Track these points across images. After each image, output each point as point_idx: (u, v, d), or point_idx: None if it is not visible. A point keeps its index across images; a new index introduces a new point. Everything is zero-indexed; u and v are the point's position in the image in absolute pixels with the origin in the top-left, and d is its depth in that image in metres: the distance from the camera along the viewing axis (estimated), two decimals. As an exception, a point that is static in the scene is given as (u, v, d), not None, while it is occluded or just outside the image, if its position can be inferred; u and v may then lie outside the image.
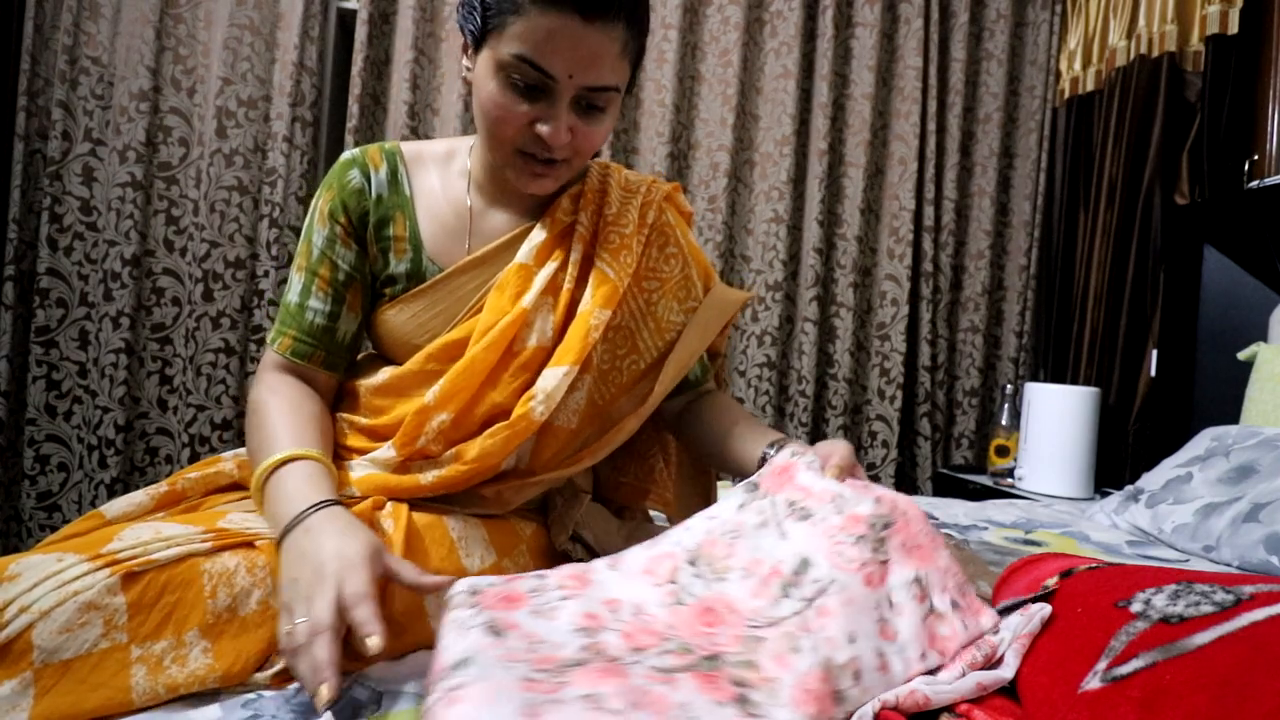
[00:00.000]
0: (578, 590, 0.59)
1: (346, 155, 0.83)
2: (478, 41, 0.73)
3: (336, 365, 0.83)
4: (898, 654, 0.54)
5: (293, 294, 0.81)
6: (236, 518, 0.67)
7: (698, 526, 0.66)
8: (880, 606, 0.56)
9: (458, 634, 0.51)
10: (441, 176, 0.85)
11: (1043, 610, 0.57)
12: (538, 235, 0.82)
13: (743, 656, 0.52)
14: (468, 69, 0.76)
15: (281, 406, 0.76)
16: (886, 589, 0.58)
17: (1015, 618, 0.58)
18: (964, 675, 0.54)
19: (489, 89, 0.72)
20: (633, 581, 0.61)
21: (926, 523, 0.62)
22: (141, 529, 0.61)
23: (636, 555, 0.64)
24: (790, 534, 0.61)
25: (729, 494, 0.69)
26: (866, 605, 0.56)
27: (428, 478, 0.75)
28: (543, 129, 0.72)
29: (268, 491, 0.68)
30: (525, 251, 0.81)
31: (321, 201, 0.82)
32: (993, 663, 0.55)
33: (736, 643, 0.54)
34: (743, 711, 0.47)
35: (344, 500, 0.69)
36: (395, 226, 0.82)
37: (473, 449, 0.75)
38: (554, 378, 0.77)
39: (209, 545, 0.60)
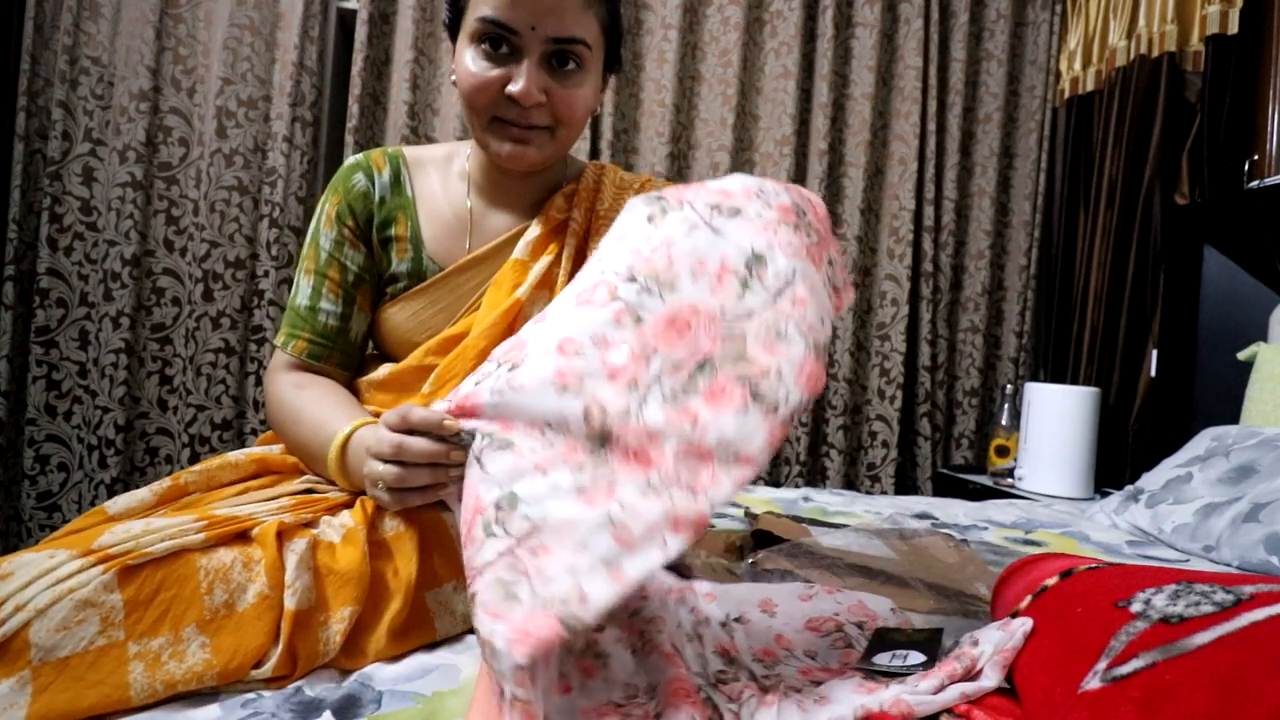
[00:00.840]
0: (520, 354, 0.56)
1: (350, 160, 0.86)
2: (454, 29, 0.77)
3: (349, 365, 0.86)
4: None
5: (301, 298, 0.83)
6: (229, 507, 0.68)
7: (616, 249, 0.60)
8: (826, 285, 0.58)
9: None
10: (442, 179, 0.88)
11: (1025, 625, 0.56)
12: (533, 232, 0.84)
13: (730, 354, 0.53)
14: (453, 70, 0.79)
15: (316, 394, 0.79)
16: (823, 270, 0.59)
17: (996, 632, 0.58)
18: (943, 688, 0.53)
19: (463, 64, 0.76)
20: (574, 316, 0.57)
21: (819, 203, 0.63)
22: (133, 523, 0.61)
23: (565, 295, 0.60)
24: (725, 231, 0.58)
25: (629, 211, 0.62)
26: (820, 287, 0.57)
27: None
28: (513, 87, 0.75)
29: (349, 458, 0.71)
30: (521, 248, 0.83)
31: (328, 206, 0.84)
32: (972, 675, 0.55)
33: (717, 343, 0.54)
34: (759, 406, 0.50)
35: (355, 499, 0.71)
36: (397, 227, 0.85)
37: None
38: None
39: (202, 536, 0.60)
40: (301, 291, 0.84)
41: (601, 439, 0.51)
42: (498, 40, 0.74)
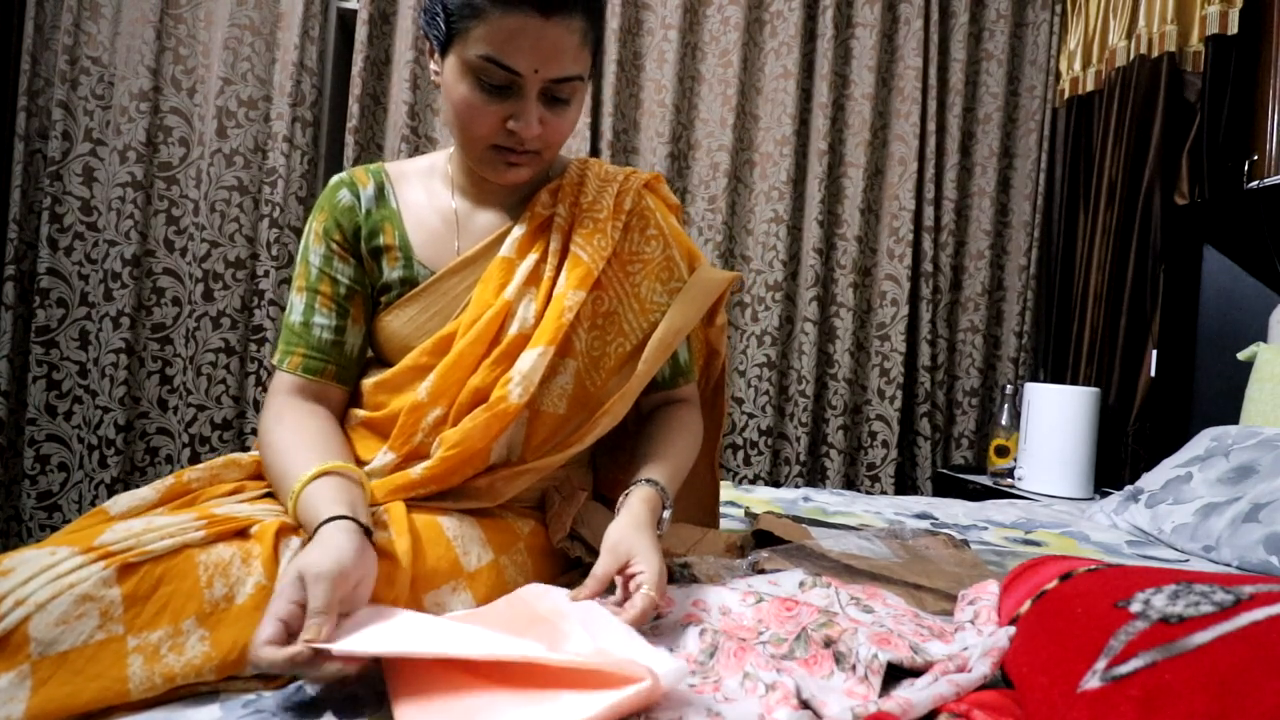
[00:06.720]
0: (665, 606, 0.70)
1: (335, 179, 0.87)
2: (443, 46, 0.76)
3: (347, 379, 0.85)
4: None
5: (295, 315, 0.84)
6: (228, 507, 0.68)
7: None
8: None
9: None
10: (426, 187, 0.88)
11: (1010, 630, 0.60)
12: (519, 230, 0.84)
13: (822, 621, 0.64)
14: (435, 73, 0.79)
15: (286, 436, 0.77)
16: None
17: (984, 638, 0.61)
18: (936, 680, 0.55)
19: (460, 91, 0.75)
20: (711, 588, 0.74)
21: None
22: (134, 522, 0.61)
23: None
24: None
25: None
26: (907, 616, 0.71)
27: (416, 471, 0.77)
28: (515, 125, 0.75)
29: (300, 514, 0.68)
30: (508, 246, 0.83)
31: (315, 223, 0.85)
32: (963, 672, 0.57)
33: (815, 614, 0.66)
34: (842, 666, 0.59)
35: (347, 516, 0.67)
36: (385, 236, 0.85)
37: (455, 434, 0.76)
38: (529, 359, 0.79)
39: (202, 534, 0.61)
40: (295, 309, 0.84)
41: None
42: (498, 78, 0.73)
